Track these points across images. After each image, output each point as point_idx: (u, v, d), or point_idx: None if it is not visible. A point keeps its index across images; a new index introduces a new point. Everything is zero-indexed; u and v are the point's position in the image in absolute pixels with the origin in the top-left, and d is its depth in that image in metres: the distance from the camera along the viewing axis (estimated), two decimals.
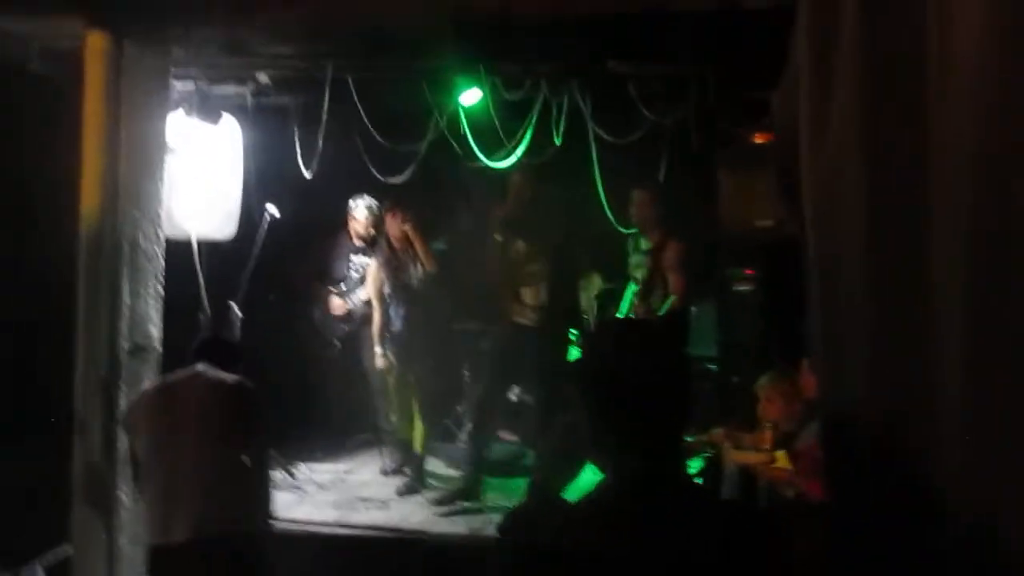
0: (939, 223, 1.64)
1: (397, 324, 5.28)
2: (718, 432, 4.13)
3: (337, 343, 5.78)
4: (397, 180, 5.34)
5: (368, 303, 5.48)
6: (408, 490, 5.15)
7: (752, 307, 5.57)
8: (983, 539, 1.55)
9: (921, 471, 1.74)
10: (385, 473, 5.49)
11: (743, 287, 5.75)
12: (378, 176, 5.31)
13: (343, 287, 5.75)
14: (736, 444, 4.00)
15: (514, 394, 5.92)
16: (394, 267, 5.26)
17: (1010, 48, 1.42)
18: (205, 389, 3.12)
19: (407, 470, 5.34)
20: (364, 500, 5.06)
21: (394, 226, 5.21)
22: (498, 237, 5.17)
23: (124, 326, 3.93)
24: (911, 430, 1.79)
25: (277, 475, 5.21)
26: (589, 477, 1.92)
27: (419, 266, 5.20)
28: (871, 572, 1.93)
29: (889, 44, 1.75)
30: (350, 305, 5.71)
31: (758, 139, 5.30)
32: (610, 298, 5.77)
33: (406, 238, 5.20)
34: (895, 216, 1.74)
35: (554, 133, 5.28)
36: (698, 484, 2.91)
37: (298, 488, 5.21)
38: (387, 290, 5.30)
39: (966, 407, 1.57)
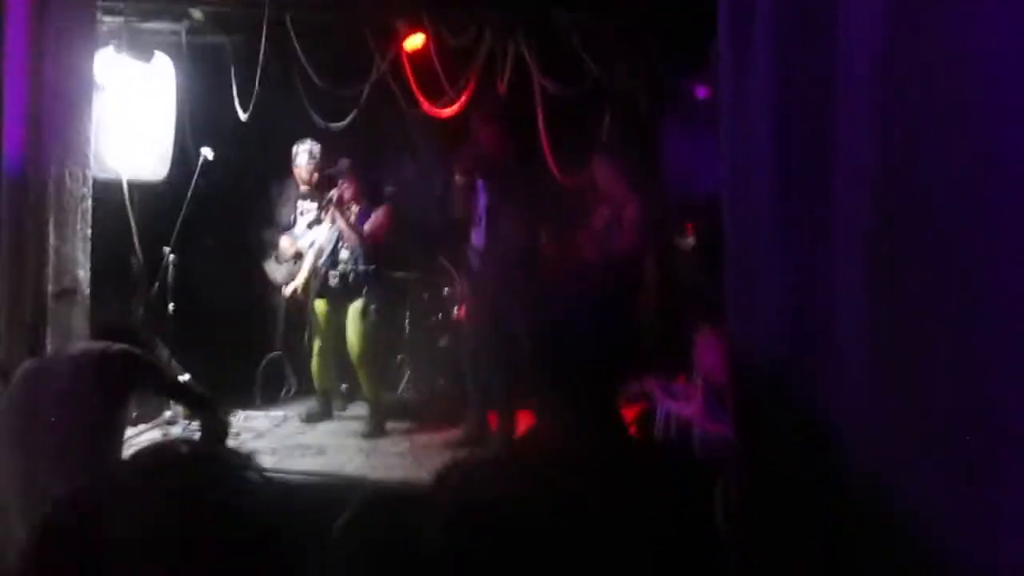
0: (842, 179, 1.69)
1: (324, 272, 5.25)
2: (651, 382, 4.18)
3: (286, 290, 5.69)
4: (338, 125, 5.22)
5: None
6: (369, 433, 5.14)
7: (696, 260, 5.62)
8: (881, 474, 1.62)
9: (822, 409, 1.80)
10: (307, 419, 5.46)
11: (687, 240, 5.79)
12: (318, 121, 5.19)
13: (294, 233, 5.64)
14: (669, 394, 4.05)
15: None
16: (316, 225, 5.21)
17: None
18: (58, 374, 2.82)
19: (370, 414, 5.32)
20: (301, 447, 5.04)
21: (340, 193, 5.11)
22: (459, 178, 5.10)
23: (50, 269, 3.82)
24: (816, 370, 1.84)
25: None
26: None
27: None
28: (787, 515, 2.00)
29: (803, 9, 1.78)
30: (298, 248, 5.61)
31: (701, 95, 5.32)
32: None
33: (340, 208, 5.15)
34: (803, 169, 1.80)
35: (498, 83, 5.22)
36: (629, 433, 2.96)
37: (236, 435, 5.15)
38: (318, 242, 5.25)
39: (865, 345, 1.62)
